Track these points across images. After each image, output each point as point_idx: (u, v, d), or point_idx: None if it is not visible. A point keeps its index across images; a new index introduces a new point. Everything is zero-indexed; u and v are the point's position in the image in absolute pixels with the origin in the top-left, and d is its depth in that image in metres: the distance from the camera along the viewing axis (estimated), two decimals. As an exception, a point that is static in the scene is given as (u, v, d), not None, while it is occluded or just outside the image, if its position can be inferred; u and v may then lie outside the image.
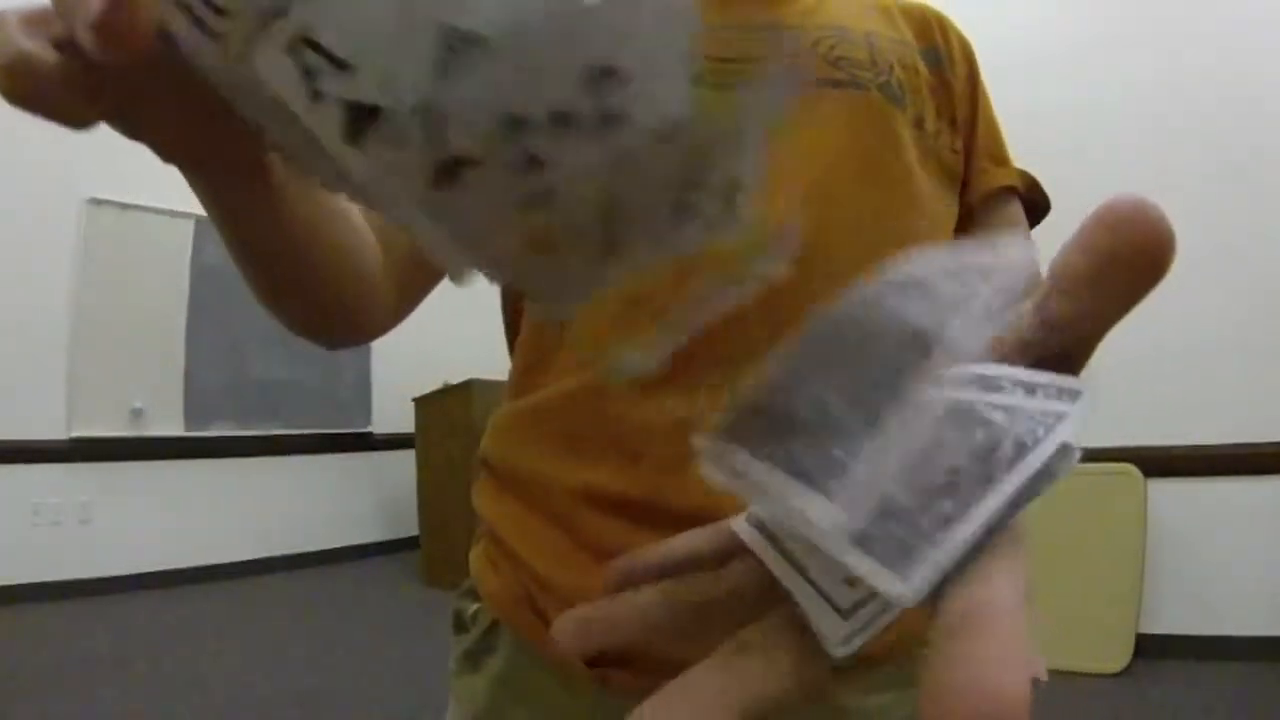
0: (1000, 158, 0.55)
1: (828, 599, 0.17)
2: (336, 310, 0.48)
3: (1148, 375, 2.96)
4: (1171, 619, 2.82)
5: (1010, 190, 0.55)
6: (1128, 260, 0.16)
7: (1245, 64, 2.87)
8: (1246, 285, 2.84)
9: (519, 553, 0.50)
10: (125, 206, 4.25)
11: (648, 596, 0.19)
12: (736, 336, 0.32)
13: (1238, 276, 2.85)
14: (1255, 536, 2.78)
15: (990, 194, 0.53)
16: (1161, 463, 2.85)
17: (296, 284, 0.44)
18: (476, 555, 0.54)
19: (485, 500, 0.53)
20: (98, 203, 4.18)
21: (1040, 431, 0.16)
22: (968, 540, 0.15)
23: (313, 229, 0.41)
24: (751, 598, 0.19)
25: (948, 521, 0.15)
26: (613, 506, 0.46)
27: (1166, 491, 2.84)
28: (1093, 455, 3.04)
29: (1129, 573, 2.77)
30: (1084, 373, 0.18)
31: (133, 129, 0.26)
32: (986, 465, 0.16)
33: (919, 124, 0.50)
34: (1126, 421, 2.93)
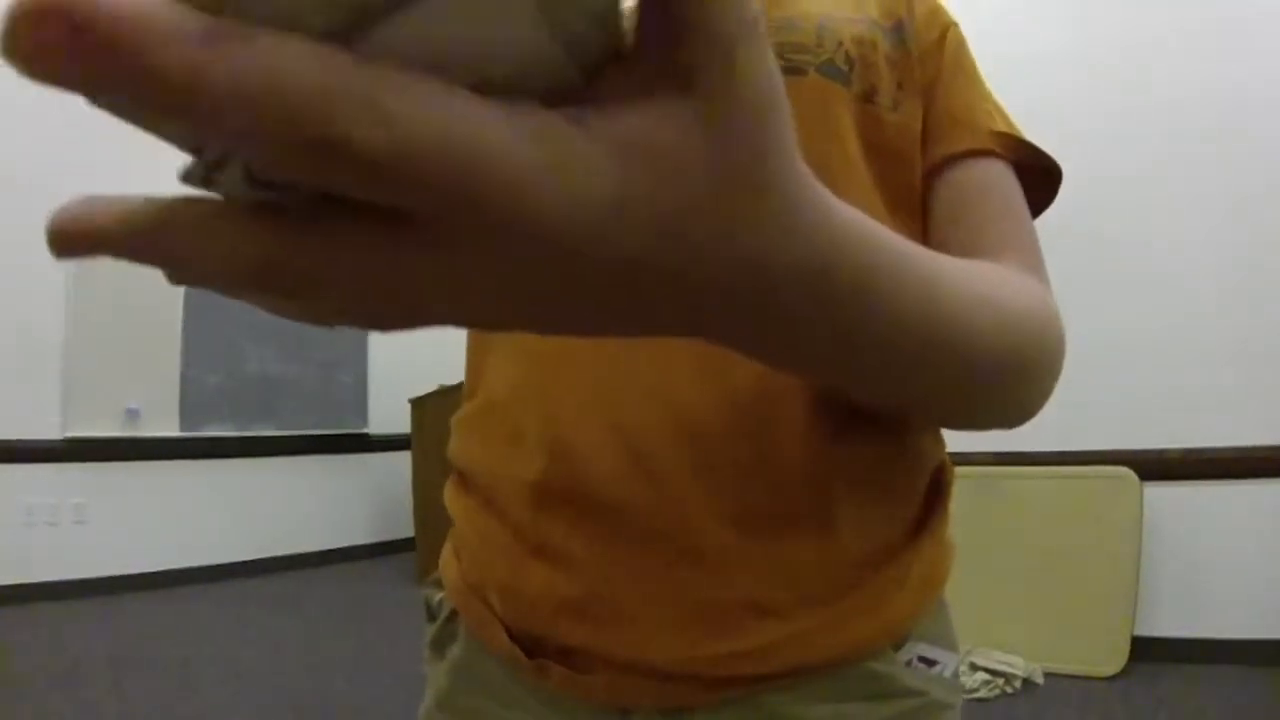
0: (969, 122, 0.50)
1: None
2: None
3: (1143, 379, 2.96)
4: (1167, 622, 2.82)
5: (983, 154, 0.50)
6: None
7: (1245, 64, 2.88)
8: (1244, 289, 2.85)
9: (472, 546, 0.53)
10: (121, 206, 4.23)
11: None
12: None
13: (1235, 281, 2.86)
14: (1251, 540, 2.78)
15: (951, 157, 0.50)
16: (1157, 466, 2.85)
17: None
18: (446, 548, 0.58)
19: (450, 497, 0.57)
20: (94, 202, 4.16)
21: None
22: None
23: None
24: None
25: None
26: (546, 501, 0.48)
27: (1162, 495, 2.84)
28: (1089, 458, 3.04)
29: (1125, 576, 2.77)
30: None
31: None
32: None
33: (868, 98, 0.48)
34: (1122, 425, 2.94)
